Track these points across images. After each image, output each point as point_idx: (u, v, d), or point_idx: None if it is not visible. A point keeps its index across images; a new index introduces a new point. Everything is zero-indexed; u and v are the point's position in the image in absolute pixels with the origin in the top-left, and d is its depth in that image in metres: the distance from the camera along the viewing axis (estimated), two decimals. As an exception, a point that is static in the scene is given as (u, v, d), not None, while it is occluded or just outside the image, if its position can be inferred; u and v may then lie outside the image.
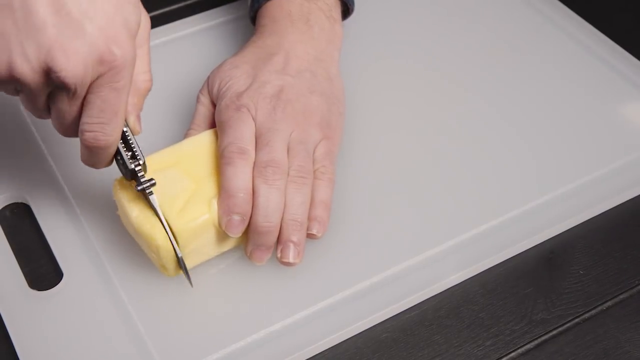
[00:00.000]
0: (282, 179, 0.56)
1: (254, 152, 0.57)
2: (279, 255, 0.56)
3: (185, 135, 0.62)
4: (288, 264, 0.56)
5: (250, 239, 0.56)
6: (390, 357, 0.56)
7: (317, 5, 0.67)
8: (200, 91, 0.63)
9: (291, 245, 0.56)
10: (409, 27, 0.79)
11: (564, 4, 0.82)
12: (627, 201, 0.66)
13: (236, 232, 0.55)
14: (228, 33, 0.78)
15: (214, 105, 0.63)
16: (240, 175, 0.55)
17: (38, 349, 0.55)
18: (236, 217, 0.55)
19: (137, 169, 0.54)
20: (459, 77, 0.75)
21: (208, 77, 0.63)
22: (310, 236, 0.57)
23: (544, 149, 0.68)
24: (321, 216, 0.58)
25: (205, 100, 0.63)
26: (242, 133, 0.57)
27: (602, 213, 0.65)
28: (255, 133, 0.58)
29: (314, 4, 0.67)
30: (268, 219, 0.55)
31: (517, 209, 0.64)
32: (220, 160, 0.57)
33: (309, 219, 0.57)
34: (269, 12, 0.67)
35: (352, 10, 0.72)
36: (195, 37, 0.77)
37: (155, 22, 0.78)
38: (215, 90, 0.62)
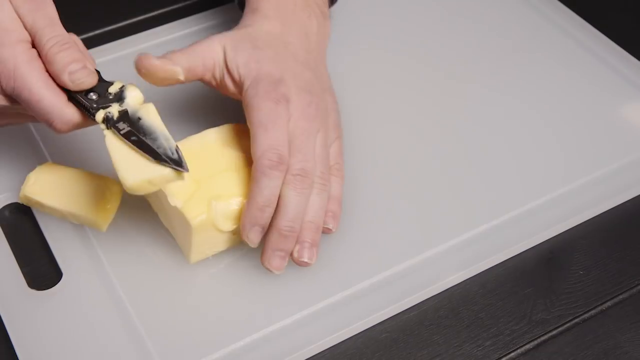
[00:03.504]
0: (310, 187, 0.57)
1: (288, 155, 0.57)
2: (295, 255, 0.56)
3: (172, 52, 0.59)
4: (304, 264, 0.57)
5: (271, 244, 0.56)
6: (389, 357, 0.56)
7: (315, 0, 0.66)
8: (208, 55, 0.60)
9: (308, 245, 0.57)
10: (407, 26, 0.79)
11: (564, 4, 0.82)
12: (627, 201, 0.66)
13: (257, 242, 0.56)
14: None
15: (218, 82, 0.61)
16: (274, 190, 0.56)
17: (37, 348, 0.55)
18: (259, 229, 0.56)
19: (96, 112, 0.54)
20: (458, 77, 0.74)
21: (225, 53, 0.60)
22: (325, 231, 0.58)
23: (544, 149, 0.68)
24: (335, 211, 0.59)
25: (210, 64, 0.60)
26: (282, 135, 0.57)
27: (602, 213, 0.65)
28: (289, 130, 0.57)
29: None
30: (294, 222, 0.56)
31: (517, 209, 0.64)
32: (258, 165, 0.56)
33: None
34: None
35: (335, 0, 0.72)
36: (187, 40, 0.77)
37: (147, 25, 0.78)
38: (241, 69, 0.59)
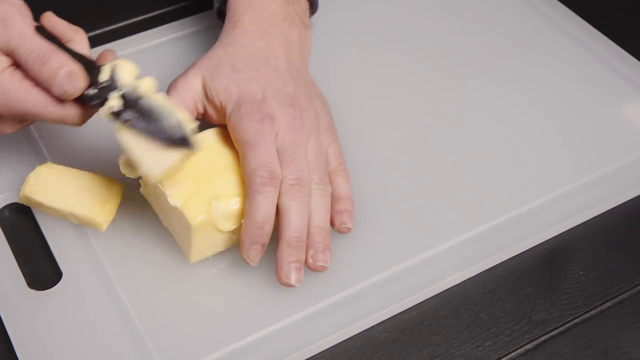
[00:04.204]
0: (309, 194, 0.57)
1: (279, 170, 0.57)
2: (311, 260, 0.56)
3: (171, 86, 0.60)
4: (321, 268, 0.57)
5: (284, 258, 0.56)
6: (389, 357, 0.56)
7: (295, 10, 0.67)
8: (186, 97, 0.60)
9: (321, 248, 0.57)
10: (406, 25, 0.79)
11: (564, 4, 0.82)
12: (627, 201, 0.66)
13: (257, 261, 0.56)
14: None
15: (202, 113, 0.61)
16: (270, 206, 0.56)
17: (37, 348, 0.55)
18: (259, 247, 0.56)
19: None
20: (457, 77, 0.74)
21: (204, 84, 0.60)
22: (343, 230, 0.59)
23: (544, 149, 0.68)
24: (349, 210, 0.59)
25: (191, 105, 0.60)
26: (270, 151, 0.57)
27: (602, 213, 0.65)
28: (277, 145, 0.58)
29: (292, 7, 0.67)
30: (300, 232, 0.56)
31: (517, 209, 0.64)
32: (250, 183, 0.56)
33: (338, 213, 0.59)
34: (250, 8, 0.65)
35: (316, 9, 0.72)
36: (188, 40, 0.77)
37: (147, 25, 0.78)
38: (221, 95, 0.60)
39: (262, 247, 0.56)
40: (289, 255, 0.56)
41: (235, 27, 0.64)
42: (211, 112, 0.61)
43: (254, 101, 0.59)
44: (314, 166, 0.59)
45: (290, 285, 0.56)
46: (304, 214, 0.57)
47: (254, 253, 0.56)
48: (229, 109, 0.59)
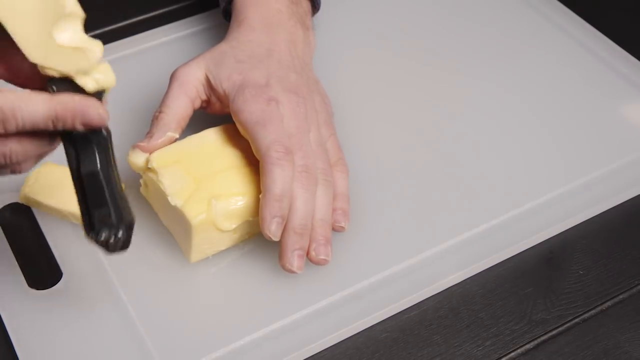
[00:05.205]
0: (315, 183, 0.57)
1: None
2: (313, 254, 0.57)
3: (155, 117, 0.60)
4: (323, 261, 0.57)
5: (288, 245, 0.56)
6: (389, 357, 0.56)
7: (297, 11, 0.67)
8: (188, 85, 0.61)
9: (323, 242, 0.57)
10: (406, 25, 0.79)
11: (563, 4, 0.82)
12: (627, 201, 0.66)
13: (278, 235, 0.56)
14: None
15: (206, 100, 0.62)
16: (287, 179, 0.56)
17: (37, 348, 0.55)
18: (280, 220, 0.55)
19: None
20: (457, 77, 0.74)
21: (207, 73, 0.61)
22: (337, 229, 0.59)
23: (544, 149, 0.68)
24: (344, 208, 0.59)
25: (193, 94, 0.61)
26: (282, 130, 0.57)
27: (602, 213, 0.65)
28: (284, 129, 0.58)
29: (296, 8, 0.67)
30: (306, 220, 0.56)
31: (517, 209, 0.64)
32: (266, 158, 0.56)
33: (333, 210, 0.59)
34: (255, 7, 0.66)
35: (318, 9, 0.73)
36: (188, 41, 0.77)
37: (147, 25, 0.78)
38: (224, 83, 0.60)
39: (282, 220, 0.55)
40: (294, 243, 0.56)
41: (241, 25, 0.65)
42: (214, 100, 0.61)
43: (258, 85, 0.59)
44: (317, 155, 0.59)
45: (292, 272, 0.56)
46: (310, 202, 0.57)
47: (275, 227, 0.55)
48: (232, 94, 0.60)
